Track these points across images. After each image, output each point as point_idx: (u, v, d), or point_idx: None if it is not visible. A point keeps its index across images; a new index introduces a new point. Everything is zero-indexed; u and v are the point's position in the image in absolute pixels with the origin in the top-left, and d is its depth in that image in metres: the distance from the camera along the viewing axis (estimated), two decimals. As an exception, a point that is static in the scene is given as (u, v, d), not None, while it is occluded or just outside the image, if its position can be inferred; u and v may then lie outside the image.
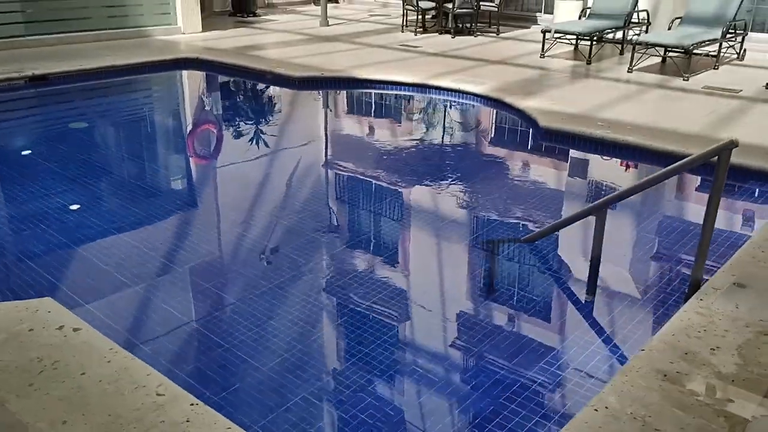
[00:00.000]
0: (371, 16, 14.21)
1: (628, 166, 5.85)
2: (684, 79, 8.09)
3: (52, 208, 4.67)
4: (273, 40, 10.74)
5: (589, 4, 10.60)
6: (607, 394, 2.49)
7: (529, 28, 12.48)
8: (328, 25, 12.39)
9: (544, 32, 9.50)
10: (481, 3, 11.41)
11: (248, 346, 3.12)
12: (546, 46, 9.57)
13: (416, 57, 9.59)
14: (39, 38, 9.59)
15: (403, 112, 8.07)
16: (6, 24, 9.37)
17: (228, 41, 10.60)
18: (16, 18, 9.46)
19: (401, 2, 12.14)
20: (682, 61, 8.50)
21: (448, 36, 11.43)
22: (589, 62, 9.13)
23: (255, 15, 13.60)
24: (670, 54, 8.97)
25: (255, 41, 10.62)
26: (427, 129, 7.35)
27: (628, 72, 8.55)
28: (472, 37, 11.40)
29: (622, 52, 9.88)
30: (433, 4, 11.64)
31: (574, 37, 9.78)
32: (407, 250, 4.34)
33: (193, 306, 3.53)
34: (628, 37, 9.70)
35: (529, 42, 10.97)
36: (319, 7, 14.39)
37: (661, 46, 8.44)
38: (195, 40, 10.71)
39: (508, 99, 7.18)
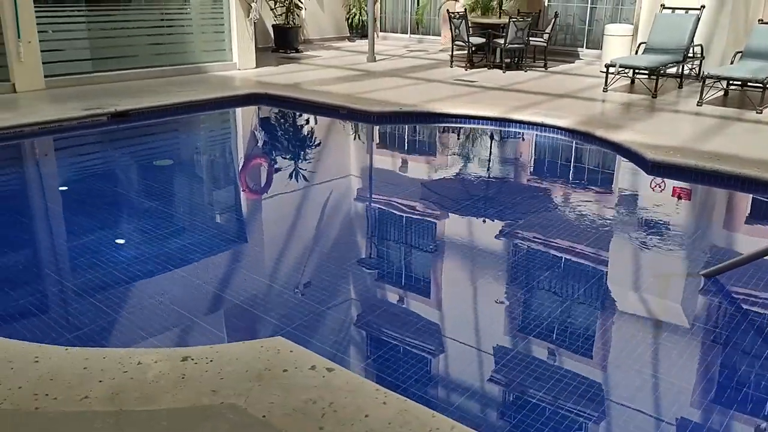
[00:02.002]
0: (410, 51, 14.38)
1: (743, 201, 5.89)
2: (757, 112, 8.21)
3: (179, 244, 4.63)
4: (328, 76, 10.81)
5: (642, 39, 10.81)
6: None
7: (573, 62, 12.67)
8: (375, 61, 12.51)
9: (607, 66, 9.63)
10: (530, 38, 11.57)
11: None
12: (608, 81, 9.69)
13: (480, 91, 9.69)
14: (104, 74, 9.62)
15: (494, 147, 8.04)
16: (75, 61, 9.40)
17: (283, 77, 10.67)
18: (85, 55, 9.50)
19: (450, 38, 12.29)
20: (753, 95, 8.63)
21: (498, 71, 11.56)
22: (654, 96, 9.25)
23: (297, 51, 13.72)
24: (732, 87, 9.14)
25: (310, 77, 10.68)
26: (526, 165, 7.30)
27: (698, 105, 8.66)
28: (523, 71, 11.54)
29: (680, 86, 10.03)
30: (483, 40, 11.80)
31: (632, 71, 9.94)
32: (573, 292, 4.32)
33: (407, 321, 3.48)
34: (684, 71, 9.86)
35: (581, 76, 11.12)
36: (356, 43, 14.60)
37: (735, 80, 8.58)
38: (251, 76, 10.78)
39: (599, 132, 7.24)
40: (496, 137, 8.15)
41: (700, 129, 7.47)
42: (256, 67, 11.48)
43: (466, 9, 12.70)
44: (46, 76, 8.94)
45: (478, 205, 5.87)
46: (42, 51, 8.83)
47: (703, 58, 10.36)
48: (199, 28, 11.01)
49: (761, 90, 8.47)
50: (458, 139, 8.32)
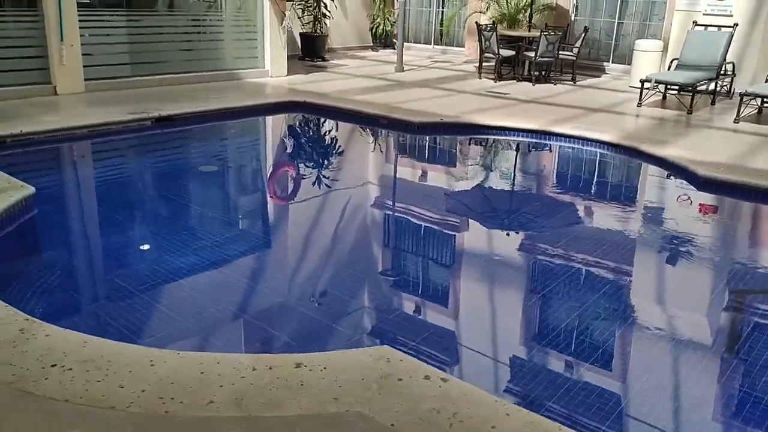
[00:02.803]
0: (435, 62, 14.44)
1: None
2: (797, 130, 8.27)
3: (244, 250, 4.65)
4: (359, 85, 10.85)
5: (672, 55, 10.87)
6: None
7: (599, 77, 12.73)
8: (404, 71, 12.56)
9: (642, 82, 9.68)
10: (560, 52, 11.63)
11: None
12: (642, 96, 9.75)
13: (514, 104, 9.73)
14: (142, 79, 9.66)
15: (539, 161, 8.04)
16: (114, 65, 9.45)
17: (315, 85, 10.71)
18: (123, 59, 9.55)
19: (475, 49, 12.36)
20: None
21: (527, 83, 11.61)
22: (690, 112, 9.29)
23: (324, 59, 13.78)
24: (766, 105, 9.21)
25: (342, 86, 10.72)
26: (574, 180, 7.26)
27: (734, 122, 8.71)
28: (552, 85, 11.60)
29: (713, 102, 10.08)
30: (513, 52, 11.86)
31: (664, 86, 9.99)
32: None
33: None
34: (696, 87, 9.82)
35: (610, 91, 11.18)
36: (379, 53, 14.71)
37: (771, 97, 8.64)
38: (283, 83, 10.83)
39: (643, 147, 7.28)
40: (539, 150, 8.17)
41: (743, 146, 7.51)
42: (287, 75, 11.52)
43: (494, 21, 12.79)
44: (85, 80, 8.97)
45: (538, 220, 5.90)
46: (82, 54, 8.85)
47: (734, 75, 10.42)
48: (233, 35, 11.08)
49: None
50: (502, 151, 8.32)
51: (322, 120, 9.34)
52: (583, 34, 11.80)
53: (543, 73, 11.92)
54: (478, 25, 12.08)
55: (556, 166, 7.90)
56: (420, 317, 3.95)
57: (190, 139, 8.18)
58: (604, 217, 6.07)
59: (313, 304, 4.00)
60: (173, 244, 4.75)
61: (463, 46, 15.41)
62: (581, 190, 6.88)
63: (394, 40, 16.33)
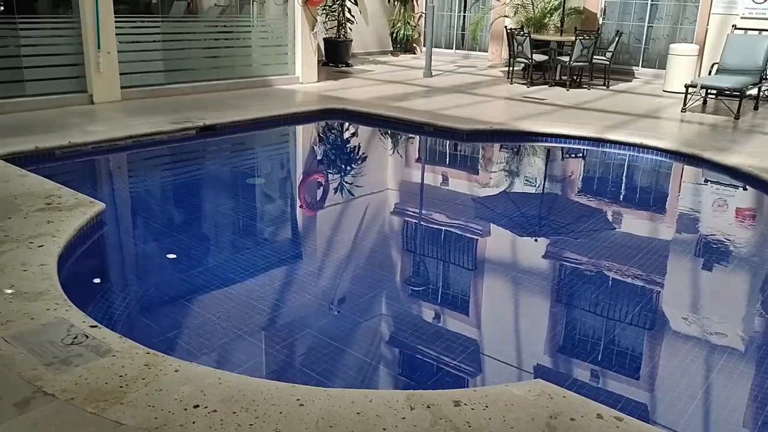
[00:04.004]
0: (460, 67, 14.25)
1: None
2: None
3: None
4: (393, 92, 10.64)
5: (709, 59, 10.73)
6: None
7: (630, 81, 12.56)
8: (432, 76, 12.37)
9: (687, 86, 9.51)
10: (594, 56, 11.45)
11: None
12: (687, 101, 9.58)
13: (556, 110, 9.54)
14: (176, 87, 9.44)
15: (600, 169, 7.77)
16: (149, 72, 9.23)
17: (348, 92, 10.50)
18: (158, 67, 9.32)
19: (509, 55, 12.18)
20: None
21: (560, 88, 11.44)
22: (737, 117, 9.13)
23: (348, 65, 13.58)
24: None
25: (375, 92, 10.51)
26: (641, 189, 7.02)
27: (785, 127, 8.55)
28: (586, 89, 11.43)
29: (756, 107, 9.92)
30: (546, 57, 11.68)
31: (704, 91, 9.83)
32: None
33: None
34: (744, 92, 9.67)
35: (646, 95, 11.01)
36: (400, 58, 14.57)
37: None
38: (316, 90, 10.62)
39: (707, 155, 7.09)
40: (598, 158, 7.91)
41: (806, 153, 7.32)
42: (317, 81, 11.31)
43: (524, 26, 12.63)
44: (121, 88, 8.73)
45: (615, 230, 5.70)
46: (119, 62, 8.62)
47: (774, 79, 10.27)
48: (265, 41, 10.89)
49: None
50: (560, 160, 8.07)
51: (366, 128, 9.11)
52: (616, 39, 11.63)
53: (575, 78, 11.74)
54: (509, 29, 11.91)
55: (619, 176, 7.62)
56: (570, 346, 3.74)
57: (240, 148, 7.98)
58: (694, 230, 5.86)
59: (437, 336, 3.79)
60: (266, 267, 4.53)
61: (485, 51, 15.23)
62: (655, 203, 6.68)
63: (415, 45, 16.20)
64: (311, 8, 10.85)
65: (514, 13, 13.20)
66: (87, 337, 3.02)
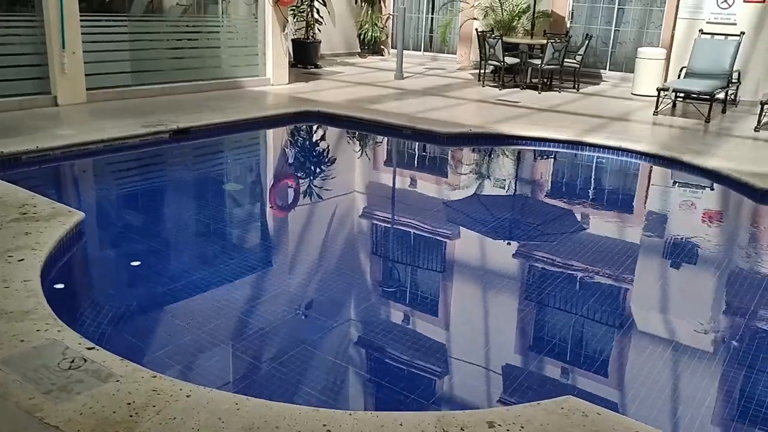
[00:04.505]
0: (429, 69, 14.20)
1: None
2: (816, 137, 8.31)
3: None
4: (366, 94, 10.51)
5: (677, 63, 10.90)
6: None
7: (598, 84, 12.70)
8: (403, 78, 12.28)
9: (659, 90, 9.63)
10: (565, 60, 11.52)
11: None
12: (659, 104, 9.70)
13: (532, 113, 9.55)
14: (145, 88, 9.11)
15: (582, 172, 7.75)
16: (116, 74, 8.88)
17: (321, 94, 10.31)
18: (125, 68, 8.98)
19: (479, 58, 12.18)
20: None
21: (531, 91, 11.48)
22: (707, 120, 9.27)
23: (317, 66, 13.39)
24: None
25: (348, 94, 10.36)
26: (625, 193, 7.05)
27: (755, 131, 8.71)
28: (557, 92, 11.49)
29: (724, 111, 10.10)
30: (518, 60, 11.71)
31: (674, 94, 9.97)
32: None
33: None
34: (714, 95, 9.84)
35: (616, 98, 11.12)
36: (368, 60, 14.47)
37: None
38: (288, 92, 10.41)
39: (686, 158, 7.16)
40: (579, 161, 7.91)
41: (779, 155, 7.47)
42: (288, 83, 11.09)
43: (493, 28, 12.64)
44: (87, 89, 8.38)
45: (605, 235, 5.68)
46: (84, 63, 8.27)
47: (740, 83, 10.49)
48: (235, 42, 10.61)
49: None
50: (539, 163, 8.05)
51: (344, 131, 8.95)
52: (586, 42, 11.73)
53: (546, 80, 11.81)
54: (479, 32, 11.90)
55: (602, 179, 7.61)
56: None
57: (217, 153, 7.74)
58: (680, 231, 5.89)
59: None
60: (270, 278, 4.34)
61: (453, 53, 15.22)
62: (637, 206, 6.71)
63: (383, 47, 16.09)
64: (282, 9, 10.63)
65: (484, 16, 13.20)
66: (85, 360, 2.80)
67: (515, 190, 7.13)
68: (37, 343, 2.92)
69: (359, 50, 15.94)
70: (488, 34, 11.53)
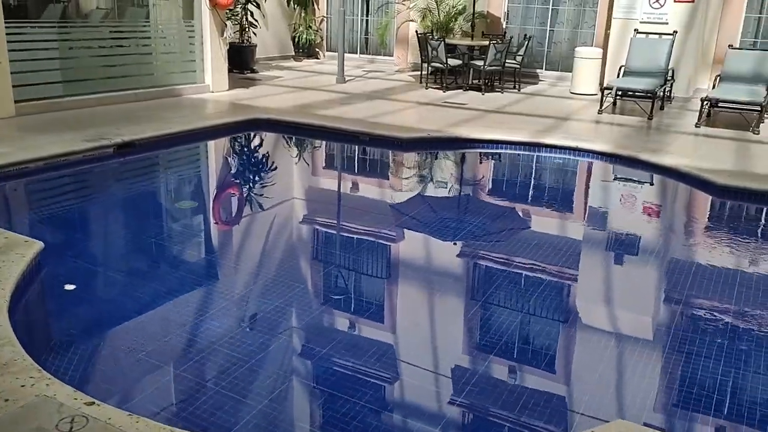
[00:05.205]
0: (368, 72, 14.03)
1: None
2: (755, 133, 8.66)
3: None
4: (312, 99, 10.25)
5: (612, 62, 11.17)
6: None
7: (537, 84, 12.88)
8: (345, 82, 12.07)
9: (603, 89, 9.83)
10: (506, 61, 11.59)
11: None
12: (603, 103, 9.89)
13: (482, 114, 9.54)
14: (78, 99, 8.51)
15: (543, 174, 7.77)
16: (46, 84, 8.25)
17: (263, 100, 9.94)
18: (55, 78, 8.36)
19: (420, 60, 12.12)
20: (749, 116, 9.10)
21: (474, 92, 11.51)
22: (650, 117, 9.52)
23: (254, 71, 12.98)
24: (715, 109, 9.62)
25: (292, 99, 10.06)
26: (586, 193, 7.12)
27: (696, 126, 8.99)
28: (500, 93, 11.56)
29: (662, 107, 10.41)
30: (460, 62, 11.70)
31: (614, 92, 10.19)
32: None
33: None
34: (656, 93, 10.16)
35: (558, 98, 11.29)
36: (303, 63, 14.23)
37: (737, 102, 8.99)
38: (226, 98, 10.01)
39: (643, 156, 7.28)
40: (541, 163, 7.92)
41: (727, 150, 7.71)
42: (228, 90, 10.66)
43: (432, 30, 12.61)
44: (15, 102, 7.74)
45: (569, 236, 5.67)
46: (11, 73, 7.63)
47: (674, 80, 10.84)
48: (170, 48, 10.10)
49: (758, 111, 8.95)
50: (499, 165, 8.04)
51: (296, 138, 8.65)
52: (526, 43, 11.86)
53: (488, 81, 11.86)
54: (419, 34, 11.83)
55: (562, 180, 7.66)
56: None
57: (166, 166, 7.31)
58: (640, 230, 5.94)
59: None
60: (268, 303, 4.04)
61: (390, 55, 15.11)
62: (602, 205, 6.76)
63: (318, 50, 15.79)
64: (219, 12, 10.20)
65: (422, 18, 13.13)
66: (87, 419, 2.46)
67: (460, 192, 7.07)
68: (25, 401, 2.55)
69: (294, 53, 15.57)
70: (429, 36, 11.46)
